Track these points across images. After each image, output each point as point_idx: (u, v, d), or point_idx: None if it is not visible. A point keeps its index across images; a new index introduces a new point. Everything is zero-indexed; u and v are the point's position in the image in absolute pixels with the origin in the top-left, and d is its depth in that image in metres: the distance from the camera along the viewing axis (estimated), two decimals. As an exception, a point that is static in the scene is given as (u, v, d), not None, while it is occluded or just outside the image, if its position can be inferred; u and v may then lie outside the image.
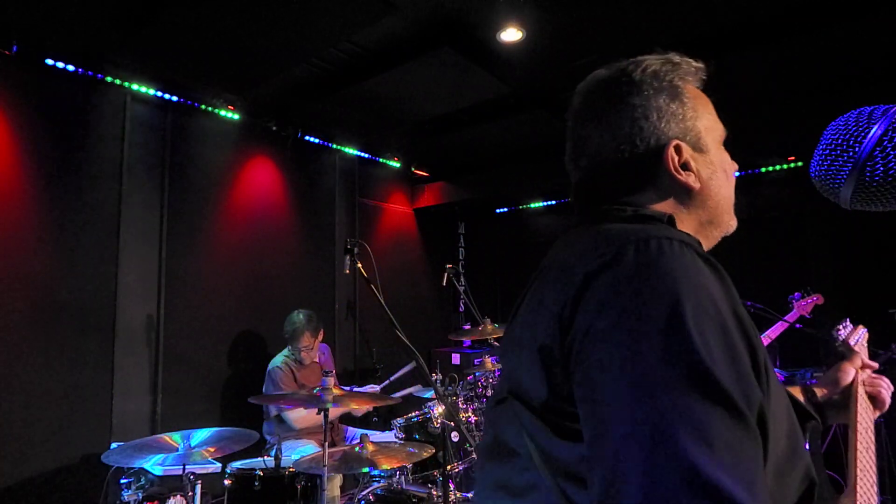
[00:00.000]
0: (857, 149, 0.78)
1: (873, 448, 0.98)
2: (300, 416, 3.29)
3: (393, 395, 3.71)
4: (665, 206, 0.79)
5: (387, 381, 3.83)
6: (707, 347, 0.56)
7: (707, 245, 0.85)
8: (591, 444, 0.59)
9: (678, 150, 0.79)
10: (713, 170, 0.82)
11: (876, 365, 1.09)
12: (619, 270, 0.62)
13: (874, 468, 0.96)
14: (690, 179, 0.79)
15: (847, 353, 1.11)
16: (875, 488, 0.93)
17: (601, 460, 0.57)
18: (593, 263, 0.64)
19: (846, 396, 1.04)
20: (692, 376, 0.55)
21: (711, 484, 0.50)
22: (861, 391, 1.02)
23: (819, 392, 1.06)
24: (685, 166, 0.79)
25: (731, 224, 0.87)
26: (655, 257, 0.62)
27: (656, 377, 0.55)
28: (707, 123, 0.83)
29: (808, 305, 3.43)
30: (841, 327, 1.20)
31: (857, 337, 1.15)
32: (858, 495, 0.89)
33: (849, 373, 1.07)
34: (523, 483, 0.69)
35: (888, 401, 1.07)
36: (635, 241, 0.64)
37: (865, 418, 0.99)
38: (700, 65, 0.86)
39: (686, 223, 0.81)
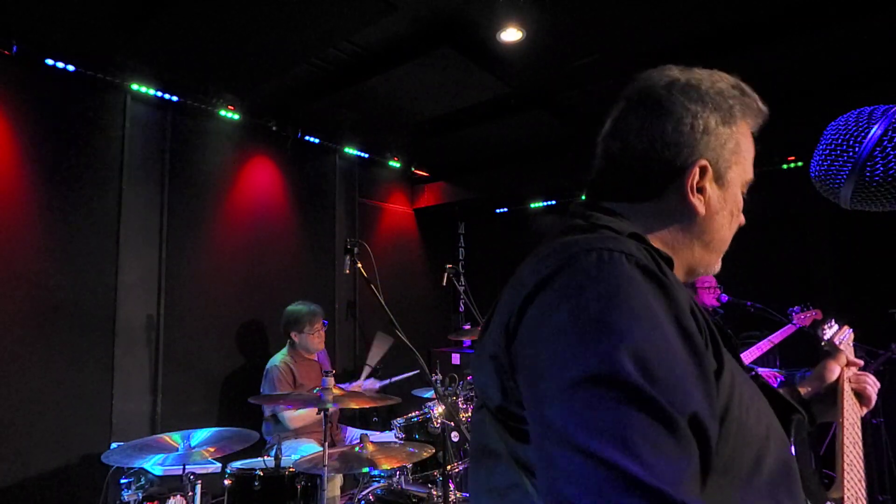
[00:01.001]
0: (857, 149, 0.78)
1: (860, 444, 1.00)
2: (294, 415, 3.28)
3: (387, 382, 3.75)
4: (667, 228, 0.80)
5: (387, 381, 3.83)
6: (635, 356, 0.57)
7: (686, 270, 0.84)
8: (532, 448, 0.61)
9: (703, 171, 0.78)
10: (723, 207, 0.81)
11: (861, 363, 1.12)
12: (558, 283, 0.64)
13: (861, 463, 0.98)
14: (699, 204, 0.79)
15: (832, 351, 1.14)
16: (862, 483, 0.95)
17: (538, 462, 0.59)
18: (538, 276, 0.66)
19: (833, 393, 1.06)
20: (615, 383, 0.56)
21: (636, 481, 0.51)
22: (847, 388, 1.05)
23: (803, 389, 1.10)
24: (700, 190, 0.79)
25: (714, 266, 0.87)
26: (592, 268, 0.63)
27: (580, 383, 0.57)
28: (740, 163, 0.82)
29: (807, 319, 3.43)
30: (826, 327, 1.23)
31: (843, 336, 1.18)
32: (846, 490, 0.91)
33: (833, 370, 1.09)
34: (505, 483, 0.71)
35: (874, 397, 1.09)
36: (577, 252, 0.66)
37: (852, 414, 1.02)
38: (765, 109, 0.84)
39: (678, 245, 0.81)
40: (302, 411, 3.26)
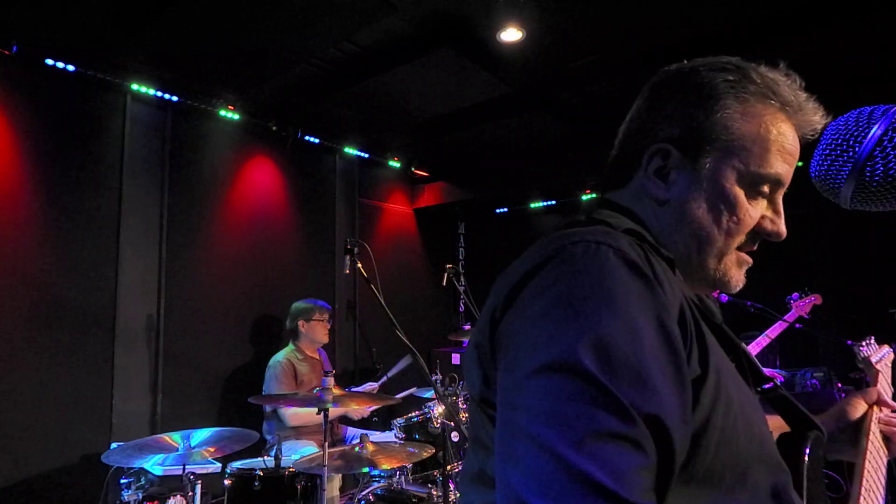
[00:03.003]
0: (857, 149, 0.78)
1: (881, 490, 0.90)
2: (295, 412, 3.29)
3: (393, 397, 3.73)
4: (638, 203, 0.78)
5: (384, 378, 3.83)
6: (601, 351, 0.56)
7: (682, 270, 0.77)
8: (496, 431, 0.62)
9: (664, 153, 0.76)
10: (699, 195, 0.75)
11: (894, 405, 0.97)
12: (543, 272, 0.64)
13: None
14: (658, 189, 0.77)
15: (867, 369, 1.03)
16: None
17: (495, 443, 0.60)
18: (526, 267, 0.66)
19: (853, 431, 0.94)
20: (573, 373, 0.55)
21: (584, 476, 0.51)
22: (875, 429, 0.91)
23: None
24: (661, 174, 0.77)
25: (710, 274, 0.78)
26: (576, 260, 0.63)
27: (540, 371, 0.57)
28: (732, 150, 0.73)
29: (807, 305, 3.43)
30: (864, 343, 1.09)
31: (881, 355, 1.06)
32: None
33: (858, 408, 0.96)
34: (492, 472, 0.70)
35: None
36: (565, 244, 0.65)
37: (876, 458, 0.89)
38: (801, 94, 0.76)
39: (669, 237, 0.77)
40: (302, 410, 3.26)
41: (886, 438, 0.94)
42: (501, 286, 0.69)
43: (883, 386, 1.00)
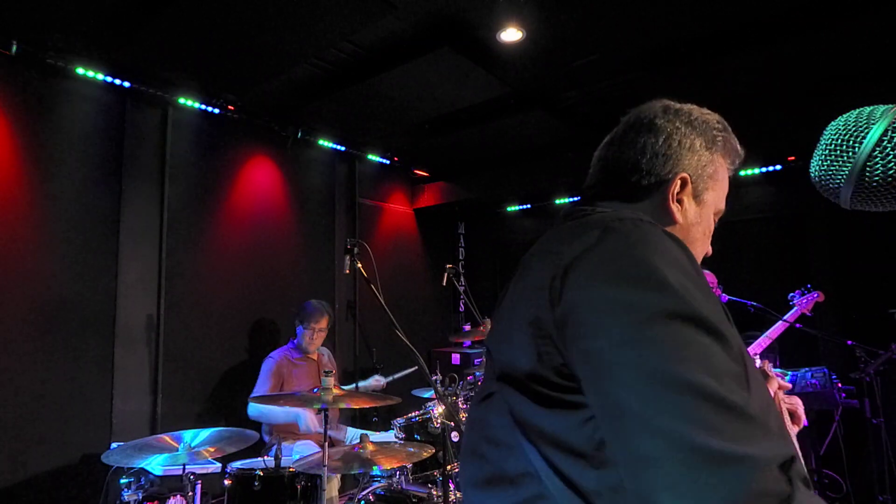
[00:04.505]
0: (857, 149, 0.77)
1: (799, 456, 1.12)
2: (260, 411, 3.26)
3: (390, 378, 3.77)
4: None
5: (391, 377, 3.85)
6: (692, 295, 0.62)
7: None
8: (596, 396, 0.64)
9: (683, 183, 0.89)
10: (698, 222, 0.91)
11: (789, 385, 1.23)
12: (599, 249, 0.69)
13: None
14: (677, 212, 0.88)
15: (764, 377, 1.25)
16: None
17: (604, 408, 0.63)
18: (577, 247, 0.71)
19: None
20: (692, 319, 0.61)
21: (732, 405, 0.56)
22: (783, 408, 1.17)
23: None
24: (679, 201, 0.89)
25: None
26: (630, 233, 0.70)
27: (653, 319, 0.61)
28: (717, 189, 0.92)
29: (809, 303, 3.42)
30: (756, 359, 1.36)
31: (769, 365, 1.32)
32: None
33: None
34: (513, 472, 0.72)
35: (804, 417, 1.20)
36: (610, 222, 0.72)
37: (790, 430, 1.14)
38: (741, 152, 0.95)
39: None
40: (272, 408, 3.23)
41: (791, 414, 1.18)
42: (548, 265, 0.72)
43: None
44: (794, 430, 1.17)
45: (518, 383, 0.72)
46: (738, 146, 0.94)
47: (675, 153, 0.88)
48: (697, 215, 0.90)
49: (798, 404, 1.20)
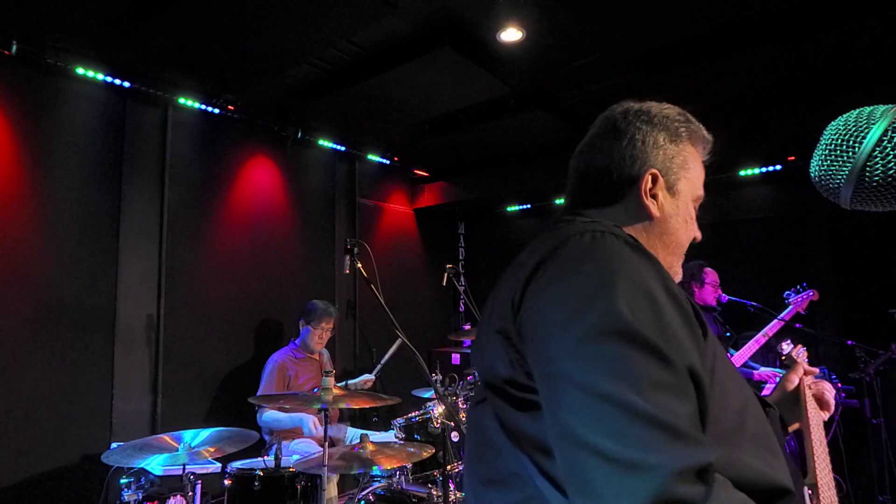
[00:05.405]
0: (857, 149, 0.77)
1: (825, 441, 1.18)
2: (274, 417, 3.30)
3: (379, 365, 3.77)
4: (632, 227, 0.91)
5: (379, 366, 3.86)
6: (634, 313, 0.64)
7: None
8: (545, 400, 0.68)
9: (654, 178, 0.91)
10: (676, 212, 0.93)
11: (816, 371, 1.26)
12: (558, 259, 0.74)
13: (828, 456, 1.15)
14: (652, 206, 0.91)
15: (791, 363, 1.28)
16: (831, 473, 1.14)
17: (551, 413, 0.67)
18: (538, 256, 0.76)
19: (794, 401, 1.21)
20: (621, 334, 0.63)
21: (651, 418, 0.58)
22: (808, 394, 1.20)
23: (769, 399, 1.21)
24: (654, 196, 0.91)
25: (676, 270, 0.97)
26: (587, 246, 0.74)
27: (587, 337, 0.64)
28: (690, 177, 0.95)
29: (804, 301, 3.43)
30: (784, 344, 1.41)
31: (799, 352, 1.36)
32: (819, 478, 1.08)
33: (793, 381, 1.23)
34: (505, 473, 0.76)
35: (832, 401, 1.24)
36: (573, 234, 0.76)
37: (815, 416, 1.18)
38: (710, 137, 0.98)
39: (650, 245, 0.90)
40: (279, 415, 3.28)
41: (818, 399, 1.22)
42: (515, 276, 0.78)
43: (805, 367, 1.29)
44: (823, 416, 1.21)
45: (498, 389, 0.77)
46: (705, 133, 0.97)
47: (640, 152, 0.91)
48: (674, 206, 0.93)
49: (826, 389, 1.23)
